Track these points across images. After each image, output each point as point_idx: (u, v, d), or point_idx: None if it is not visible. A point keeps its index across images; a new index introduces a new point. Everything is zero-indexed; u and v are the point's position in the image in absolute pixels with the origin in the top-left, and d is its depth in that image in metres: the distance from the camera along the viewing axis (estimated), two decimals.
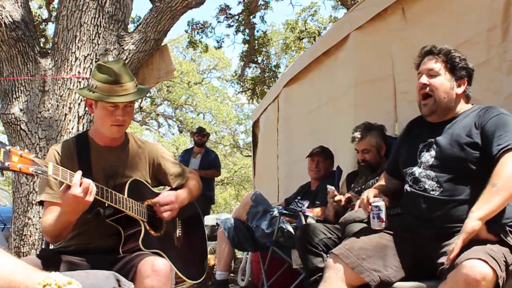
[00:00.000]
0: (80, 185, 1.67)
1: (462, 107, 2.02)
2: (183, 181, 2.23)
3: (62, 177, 1.64)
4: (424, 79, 2.00)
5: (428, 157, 1.97)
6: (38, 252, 2.70)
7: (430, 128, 2.05)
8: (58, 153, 1.98)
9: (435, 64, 2.00)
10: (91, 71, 3.63)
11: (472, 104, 2.05)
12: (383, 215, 2.03)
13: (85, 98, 2.05)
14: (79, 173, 1.69)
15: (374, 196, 2.09)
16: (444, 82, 1.99)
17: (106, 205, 1.84)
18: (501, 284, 1.61)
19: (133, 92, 1.96)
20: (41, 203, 1.97)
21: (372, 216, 2.05)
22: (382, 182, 2.29)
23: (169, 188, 2.23)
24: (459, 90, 2.01)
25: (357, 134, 2.88)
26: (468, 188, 1.86)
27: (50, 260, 1.84)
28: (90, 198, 1.70)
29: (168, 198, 2.02)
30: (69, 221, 1.79)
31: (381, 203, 2.04)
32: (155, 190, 2.15)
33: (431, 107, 1.99)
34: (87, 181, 1.69)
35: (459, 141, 1.90)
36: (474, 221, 1.67)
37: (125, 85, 1.93)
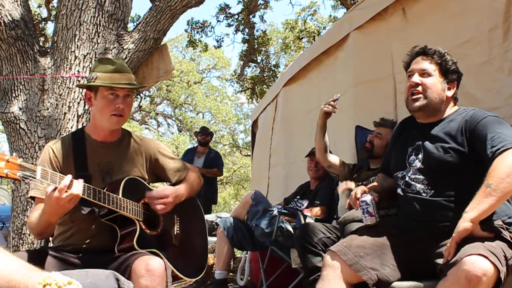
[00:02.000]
0: (69, 188, 1.67)
1: (450, 109, 2.03)
2: (183, 176, 2.21)
3: (51, 181, 1.65)
4: (417, 78, 2.00)
5: (416, 161, 1.99)
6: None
7: (419, 130, 2.05)
8: (53, 150, 1.99)
9: (429, 65, 2.01)
10: (90, 70, 3.63)
11: (458, 107, 2.06)
12: (371, 209, 2.04)
13: (84, 93, 2.08)
14: (68, 177, 1.70)
15: (363, 193, 2.10)
16: (436, 83, 1.99)
17: None
18: (503, 279, 1.61)
19: (133, 83, 2.02)
20: (32, 198, 1.98)
21: (362, 212, 2.07)
22: (377, 182, 2.29)
23: (169, 184, 2.21)
24: (449, 93, 2.02)
25: (384, 121, 3.01)
26: (458, 188, 1.86)
27: (45, 258, 1.84)
28: (71, 205, 1.72)
29: (163, 193, 2.01)
30: (49, 221, 1.81)
31: (368, 197, 2.05)
32: (152, 186, 2.13)
33: (421, 103, 1.98)
34: (76, 191, 1.69)
35: (444, 146, 1.91)
36: (466, 222, 1.69)
37: (126, 74, 2.00)
